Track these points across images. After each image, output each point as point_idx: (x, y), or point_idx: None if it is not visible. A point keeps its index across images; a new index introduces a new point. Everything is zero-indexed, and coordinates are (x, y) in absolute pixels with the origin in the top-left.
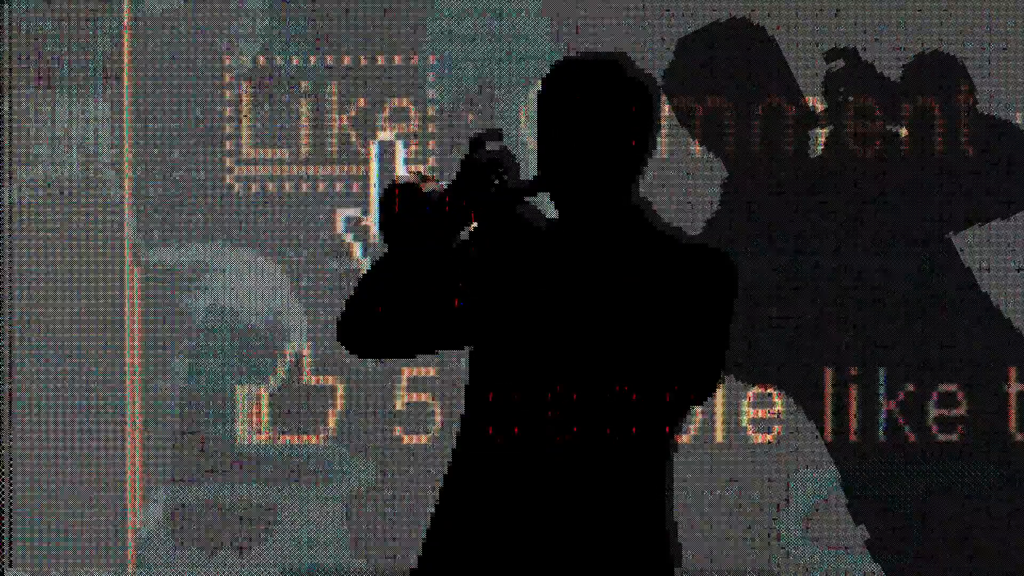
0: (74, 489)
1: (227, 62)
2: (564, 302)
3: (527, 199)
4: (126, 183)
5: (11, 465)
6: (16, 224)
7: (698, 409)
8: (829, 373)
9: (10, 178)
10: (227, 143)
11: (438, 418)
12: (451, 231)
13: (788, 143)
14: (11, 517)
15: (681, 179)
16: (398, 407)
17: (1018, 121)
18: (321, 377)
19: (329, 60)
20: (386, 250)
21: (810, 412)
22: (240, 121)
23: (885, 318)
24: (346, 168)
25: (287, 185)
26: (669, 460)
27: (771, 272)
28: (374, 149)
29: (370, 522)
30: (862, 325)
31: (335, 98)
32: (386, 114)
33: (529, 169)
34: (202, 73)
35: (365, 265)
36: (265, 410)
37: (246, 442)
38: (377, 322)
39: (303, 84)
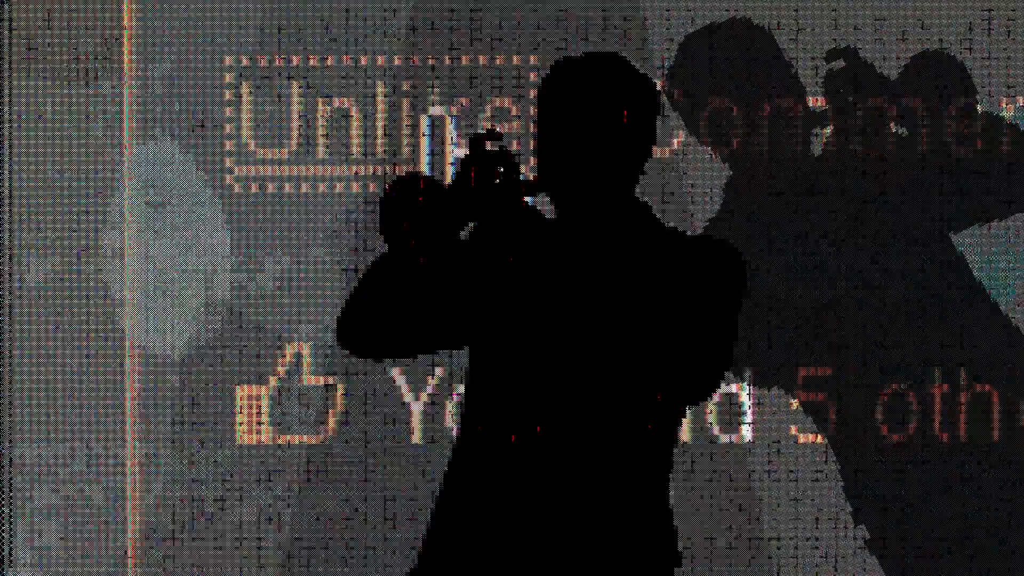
0: (74, 489)
1: (227, 62)
2: (568, 299)
3: (527, 198)
4: (126, 182)
5: (11, 465)
6: (15, 223)
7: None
8: (829, 372)
9: (8, 176)
10: (227, 143)
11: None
12: (452, 230)
13: (791, 143)
14: (11, 517)
15: (681, 178)
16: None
17: (1016, 119)
18: (321, 377)
19: (330, 60)
20: (386, 248)
21: (810, 411)
22: (240, 121)
23: (885, 318)
24: (346, 168)
25: (287, 185)
26: (672, 455)
27: (770, 272)
28: (424, 124)
29: (370, 520)
30: (862, 325)
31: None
32: (384, 114)
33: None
34: (202, 73)
35: (365, 264)
36: (265, 410)
37: (246, 442)
38: (376, 322)
39: (303, 83)
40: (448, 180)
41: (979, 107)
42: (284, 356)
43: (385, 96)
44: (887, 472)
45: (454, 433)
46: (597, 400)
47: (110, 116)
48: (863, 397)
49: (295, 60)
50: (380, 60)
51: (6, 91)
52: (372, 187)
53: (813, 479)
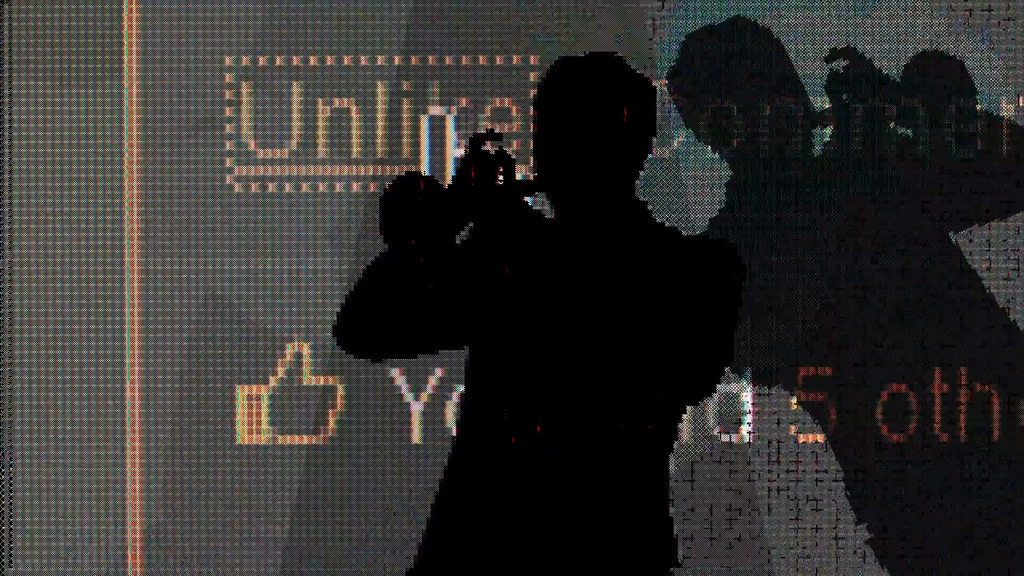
0: (74, 489)
1: (227, 62)
2: (567, 298)
3: (526, 198)
4: (126, 182)
5: (11, 465)
6: (16, 224)
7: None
8: (829, 372)
9: (9, 177)
10: (227, 143)
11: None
12: (451, 230)
13: (791, 142)
14: (11, 518)
15: (681, 178)
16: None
17: (1016, 119)
18: (321, 377)
19: (330, 60)
20: (385, 248)
21: (811, 411)
22: (240, 121)
23: (885, 318)
24: (346, 168)
25: (287, 185)
26: (669, 454)
27: (770, 271)
28: (424, 124)
29: (370, 520)
30: (862, 325)
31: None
32: (384, 114)
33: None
34: (202, 73)
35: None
36: (265, 410)
37: (246, 442)
38: (375, 321)
39: (303, 83)
40: (448, 180)
41: (979, 107)
42: (284, 356)
43: (385, 96)
44: (887, 472)
45: (454, 432)
46: (596, 399)
47: (110, 116)
48: (863, 397)
49: (295, 60)
50: (380, 60)
51: (7, 91)
52: (372, 187)
53: (813, 479)
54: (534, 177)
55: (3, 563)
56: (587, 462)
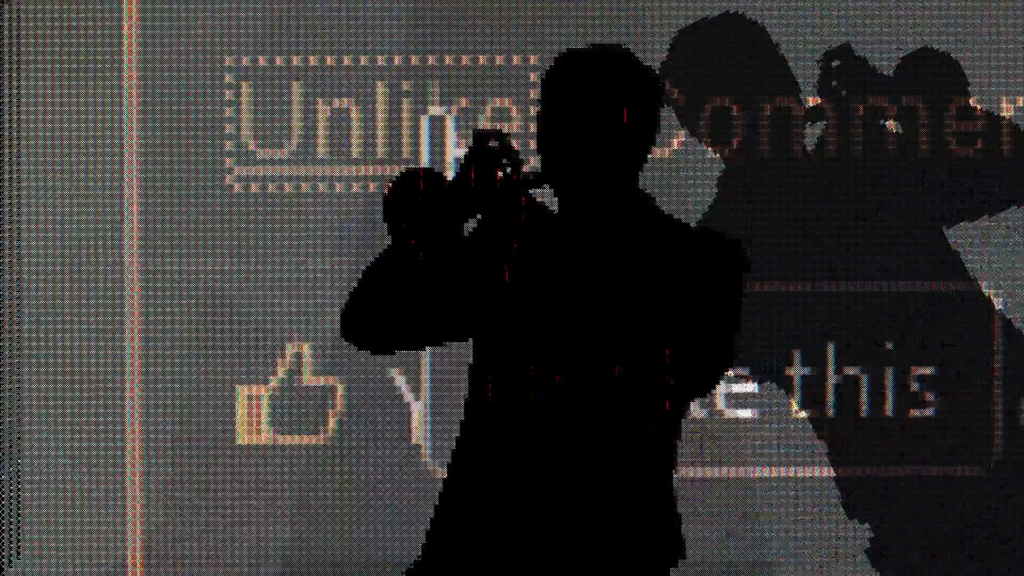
0: (74, 489)
1: (227, 62)
2: (572, 291)
3: (531, 191)
4: (126, 182)
5: (20, 465)
6: (17, 224)
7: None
8: (828, 370)
9: (10, 179)
10: (227, 143)
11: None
12: (455, 224)
13: (785, 139)
14: (19, 517)
15: (677, 176)
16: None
17: (1011, 116)
18: (321, 377)
19: (330, 60)
20: (390, 242)
21: (810, 408)
22: (240, 121)
23: (884, 316)
24: (346, 168)
25: (287, 185)
26: (676, 444)
27: (769, 270)
28: (424, 124)
29: (370, 520)
30: (862, 324)
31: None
32: (385, 114)
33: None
34: (202, 73)
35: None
36: (265, 410)
37: (246, 442)
38: (380, 315)
39: (303, 83)
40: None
41: (979, 107)
42: (284, 356)
43: (385, 96)
44: (886, 471)
45: (458, 426)
46: (601, 392)
47: (110, 116)
48: (862, 396)
49: (295, 60)
50: (380, 60)
51: (7, 91)
52: (372, 187)
53: (813, 479)
54: (538, 171)
55: (3, 563)
56: (592, 454)
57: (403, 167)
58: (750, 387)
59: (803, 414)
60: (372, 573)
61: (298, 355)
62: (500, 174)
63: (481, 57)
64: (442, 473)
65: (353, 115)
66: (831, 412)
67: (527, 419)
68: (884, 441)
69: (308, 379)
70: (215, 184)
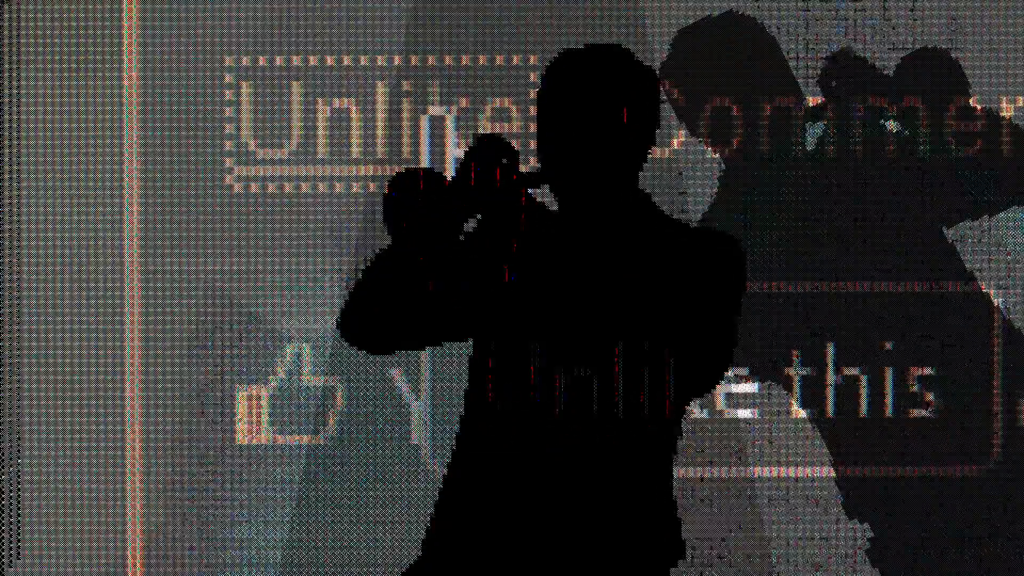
0: (74, 489)
1: (227, 62)
2: (572, 289)
3: (531, 190)
4: (126, 183)
5: (19, 465)
6: (17, 224)
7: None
8: (829, 370)
9: (10, 179)
10: (227, 143)
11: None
12: (454, 224)
13: (785, 139)
14: (20, 518)
15: (677, 176)
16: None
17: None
18: (321, 377)
19: (330, 60)
20: (389, 242)
21: (809, 408)
22: (240, 121)
23: (884, 316)
24: (346, 168)
25: (287, 185)
26: (675, 444)
27: (769, 270)
28: (424, 124)
29: (370, 520)
30: (861, 324)
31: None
32: (385, 114)
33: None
34: (202, 73)
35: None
36: (265, 410)
37: (246, 442)
38: (379, 315)
39: (303, 83)
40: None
41: (979, 107)
42: (284, 356)
43: (385, 96)
44: (886, 471)
45: (457, 426)
46: (601, 392)
47: (111, 116)
48: (862, 396)
49: (295, 60)
50: (380, 60)
51: (7, 91)
52: (372, 187)
53: (813, 478)
54: (538, 170)
55: (3, 564)
56: (592, 453)
57: (403, 167)
58: (750, 387)
59: (803, 414)
60: (372, 573)
61: (298, 355)
62: (500, 174)
63: (481, 57)
64: (442, 473)
65: (353, 115)
66: (831, 412)
67: (527, 419)
68: (884, 441)
69: (308, 379)
70: (215, 184)
